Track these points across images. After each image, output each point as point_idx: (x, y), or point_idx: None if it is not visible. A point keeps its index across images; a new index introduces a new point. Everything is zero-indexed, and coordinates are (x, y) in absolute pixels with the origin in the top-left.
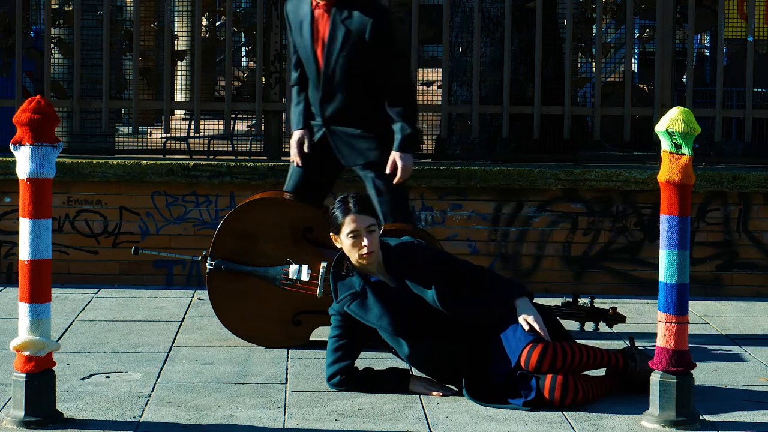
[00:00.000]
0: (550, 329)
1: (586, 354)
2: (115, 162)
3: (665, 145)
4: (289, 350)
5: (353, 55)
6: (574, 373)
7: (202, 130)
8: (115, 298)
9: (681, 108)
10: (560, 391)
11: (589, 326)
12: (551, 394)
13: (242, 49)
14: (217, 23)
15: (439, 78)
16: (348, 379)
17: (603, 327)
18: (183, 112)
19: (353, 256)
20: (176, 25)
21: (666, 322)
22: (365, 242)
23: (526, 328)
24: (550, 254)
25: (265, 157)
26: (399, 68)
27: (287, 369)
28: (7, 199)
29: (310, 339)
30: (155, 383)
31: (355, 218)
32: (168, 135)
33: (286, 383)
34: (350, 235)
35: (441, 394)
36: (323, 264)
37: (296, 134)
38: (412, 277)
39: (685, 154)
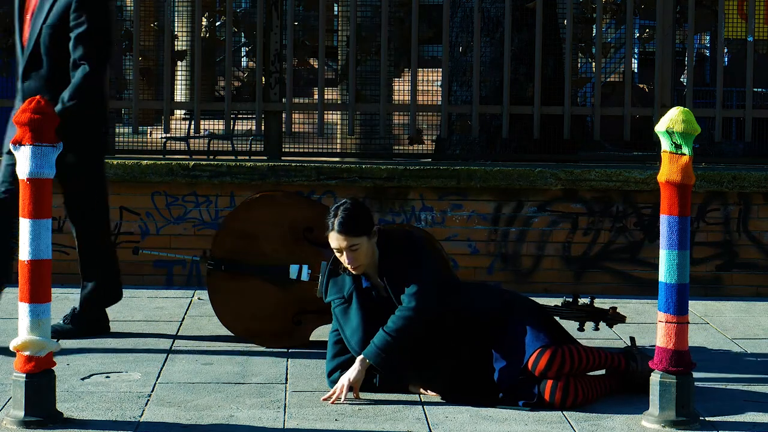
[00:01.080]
0: (550, 331)
1: (592, 358)
2: (115, 162)
3: (665, 145)
4: (289, 350)
5: (58, 29)
6: (575, 376)
7: (202, 130)
8: None
9: (681, 108)
10: (561, 394)
11: (589, 326)
12: (552, 397)
13: (242, 49)
14: (217, 23)
15: (439, 78)
16: None
17: (603, 327)
18: (183, 112)
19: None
20: (176, 25)
21: (666, 322)
22: (347, 261)
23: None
24: (550, 254)
25: (265, 157)
26: (86, 48)
27: (287, 369)
28: None
29: (310, 339)
30: (155, 383)
31: (336, 237)
32: (168, 135)
33: (286, 383)
34: (334, 250)
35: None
36: (324, 264)
37: None
38: (398, 290)
39: (685, 154)
